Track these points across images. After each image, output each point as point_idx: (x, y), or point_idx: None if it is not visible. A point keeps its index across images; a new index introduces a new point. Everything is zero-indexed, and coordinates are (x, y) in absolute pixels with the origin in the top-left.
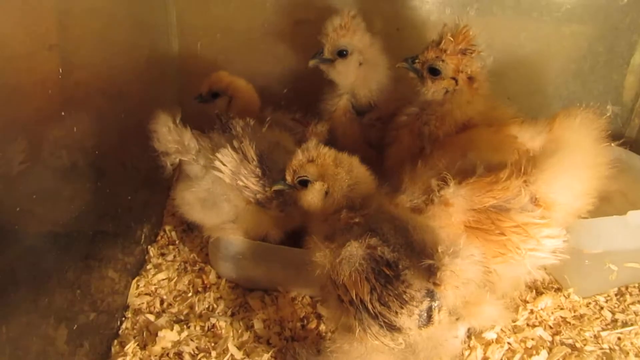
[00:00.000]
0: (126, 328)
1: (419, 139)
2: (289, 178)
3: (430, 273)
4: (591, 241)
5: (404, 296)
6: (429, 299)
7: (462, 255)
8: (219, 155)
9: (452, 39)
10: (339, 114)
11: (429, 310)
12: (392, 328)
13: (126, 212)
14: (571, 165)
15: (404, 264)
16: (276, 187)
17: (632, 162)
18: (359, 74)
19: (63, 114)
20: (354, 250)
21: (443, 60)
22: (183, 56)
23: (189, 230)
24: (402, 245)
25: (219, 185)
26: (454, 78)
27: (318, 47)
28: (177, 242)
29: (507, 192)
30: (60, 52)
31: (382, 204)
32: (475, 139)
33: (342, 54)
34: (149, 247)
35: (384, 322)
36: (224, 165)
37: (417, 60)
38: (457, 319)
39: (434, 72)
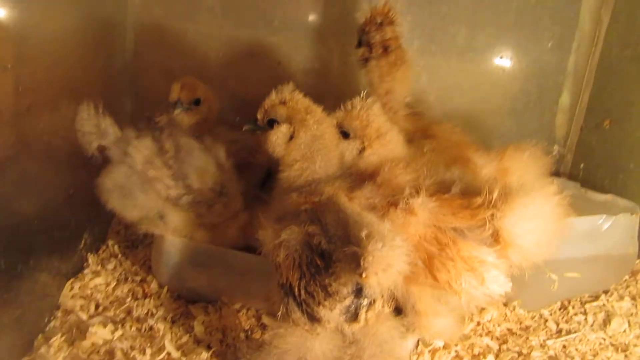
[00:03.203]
0: (54, 326)
1: None
2: (259, 117)
3: (357, 264)
4: None
5: (329, 289)
6: (353, 297)
7: (385, 240)
8: (135, 141)
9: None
10: None
11: (357, 307)
12: (313, 318)
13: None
14: (542, 211)
15: (337, 256)
16: (246, 128)
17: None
18: None
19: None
20: (293, 234)
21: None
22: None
23: (133, 246)
24: (339, 237)
25: (138, 173)
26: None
27: None
28: (119, 255)
29: (473, 221)
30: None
31: (335, 194)
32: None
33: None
34: (89, 254)
35: (306, 310)
36: (138, 152)
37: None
38: (407, 330)
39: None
